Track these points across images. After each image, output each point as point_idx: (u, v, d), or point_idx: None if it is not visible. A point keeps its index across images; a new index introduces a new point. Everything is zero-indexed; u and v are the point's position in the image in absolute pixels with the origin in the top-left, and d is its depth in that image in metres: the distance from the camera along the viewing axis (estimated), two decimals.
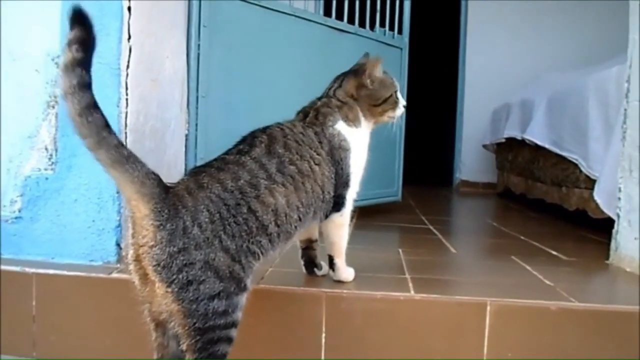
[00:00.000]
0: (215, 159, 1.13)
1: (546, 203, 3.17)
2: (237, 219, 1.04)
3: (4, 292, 1.46)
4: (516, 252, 1.93)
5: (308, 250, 1.44)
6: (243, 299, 1.05)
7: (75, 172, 1.51)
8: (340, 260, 1.40)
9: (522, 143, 3.45)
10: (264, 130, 1.22)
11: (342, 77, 1.43)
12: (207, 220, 1.00)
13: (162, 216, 0.97)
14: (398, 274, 1.54)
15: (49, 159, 1.54)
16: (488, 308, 1.30)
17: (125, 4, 1.51)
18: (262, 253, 1.09)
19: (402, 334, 1.32)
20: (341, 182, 1.31)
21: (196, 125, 1.91)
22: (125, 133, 1.51)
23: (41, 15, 1.55)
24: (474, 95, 4.85)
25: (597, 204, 2.17)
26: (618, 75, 2.24)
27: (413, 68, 2.97)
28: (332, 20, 2.44)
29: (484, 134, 4.44)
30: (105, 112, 1.47)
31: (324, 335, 1.33)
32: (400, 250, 1.87)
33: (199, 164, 1.91)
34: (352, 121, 1.37)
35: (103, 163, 0.96)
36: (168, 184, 1.04)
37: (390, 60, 2.79)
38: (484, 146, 4.51)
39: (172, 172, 1.81)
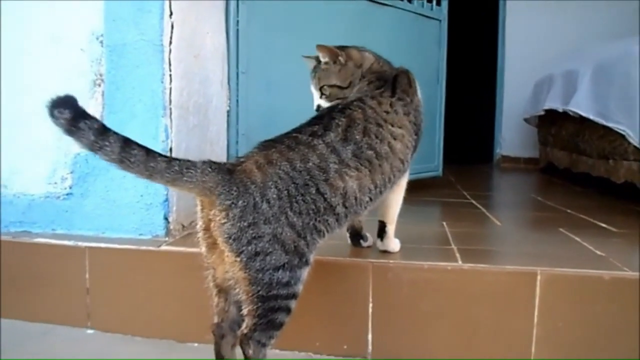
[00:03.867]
0: (287, 136, 1.11)
1: (592, 177, 3.07)
2: (305, 198, 1.04)
3: (59, 265, 1.51)
4: (564, 224, 1.88)
5: (354, 221, 1.44)
6: (305, 272, 1.06)
7: None
8: (391, 228, 1.40)
9: (566, 116, 3.34)
10: (343, 110, 1.17)
11: None
12: (275, 196, 1.01)
13: (232, 194, 0.98)
14: (444, 245, 1.53)
15: None
16: (538, 277, 1.28)
17: None
18: (327, 231, 1.10)
19: (450, 304, 1.31)
20: (414, 145, 1.30)
21: (237, 101, 1.91)
22: (170, 109, 1.53)
23: None
24: (515, 67, 4.71)
25: None
26: None
27: (452, 40, 2.90)
28: None
29: (525, 108, 4.32)
30: (150, 89, 1.52)
31: (370, 305, 1.33)
32: (444, 223, 1.85)
33: (240, 140, 1.93)
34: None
35: (163, 184, 0.98)
36: (235, 159, 1.07)
37: (428, 32, 2.74)
38: (526, 120, 4.39)
39: (215, 148, 1.83)
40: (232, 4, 1.87)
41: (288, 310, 1.05)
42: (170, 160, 0.98)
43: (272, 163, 1.03)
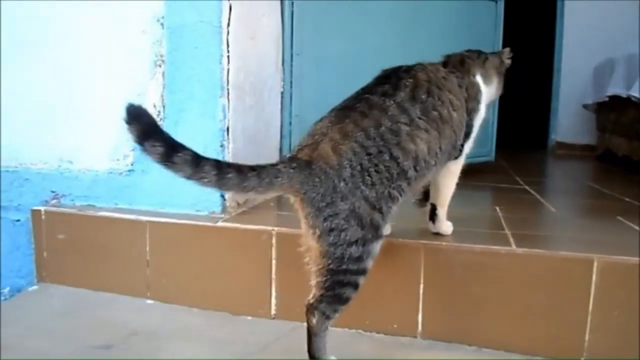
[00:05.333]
0: (358, 98, 1.14)
1: None
2: (378, 167, 1.06)
3: (121, 238, 1.59)
4: (622, 212, 1.82)
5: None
6: (377, 246, 1.09)
7: (182, 127, 1.59)
8: (442, 211, 1.40)
9: (627, 101, 3.22)
10: (408, 71, 1.20)
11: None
12: (349, 174, 1.04)
13: (316, 186, 1.03)
14: (497, 230, 1.51)
15: (157, 115, 1.62)
16: (595, 264, 1.25)
17: None
18: (400, 196, 1.12)
19: (502, 288, 1.30)
20: (465, 131, 1.31)
21: (291, 82, 1.94)
22: (228, 89, 1.57)
23: None
24: (573, 50, 4.54)
25: None
26: None
27: (508, 22, 2.82)
28: None
29: (584, 93, 4.17)
30: (208, 69, 1.56)
31: (422, 285, 1.34)
32: (497, 208, 1.83)
33: (293, 121, 1.96)
34: (488, 79, 1.38)
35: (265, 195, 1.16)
36: (310, 137, 1.08)
37: (484, 14, 2.67)
38: (584, 106, 4.24)
39: (270, 129, 1.86)
40: None
41: (355, 286, 1.07)
42: (259, 173, 1.01)
43: (347, 136, 1.05)
